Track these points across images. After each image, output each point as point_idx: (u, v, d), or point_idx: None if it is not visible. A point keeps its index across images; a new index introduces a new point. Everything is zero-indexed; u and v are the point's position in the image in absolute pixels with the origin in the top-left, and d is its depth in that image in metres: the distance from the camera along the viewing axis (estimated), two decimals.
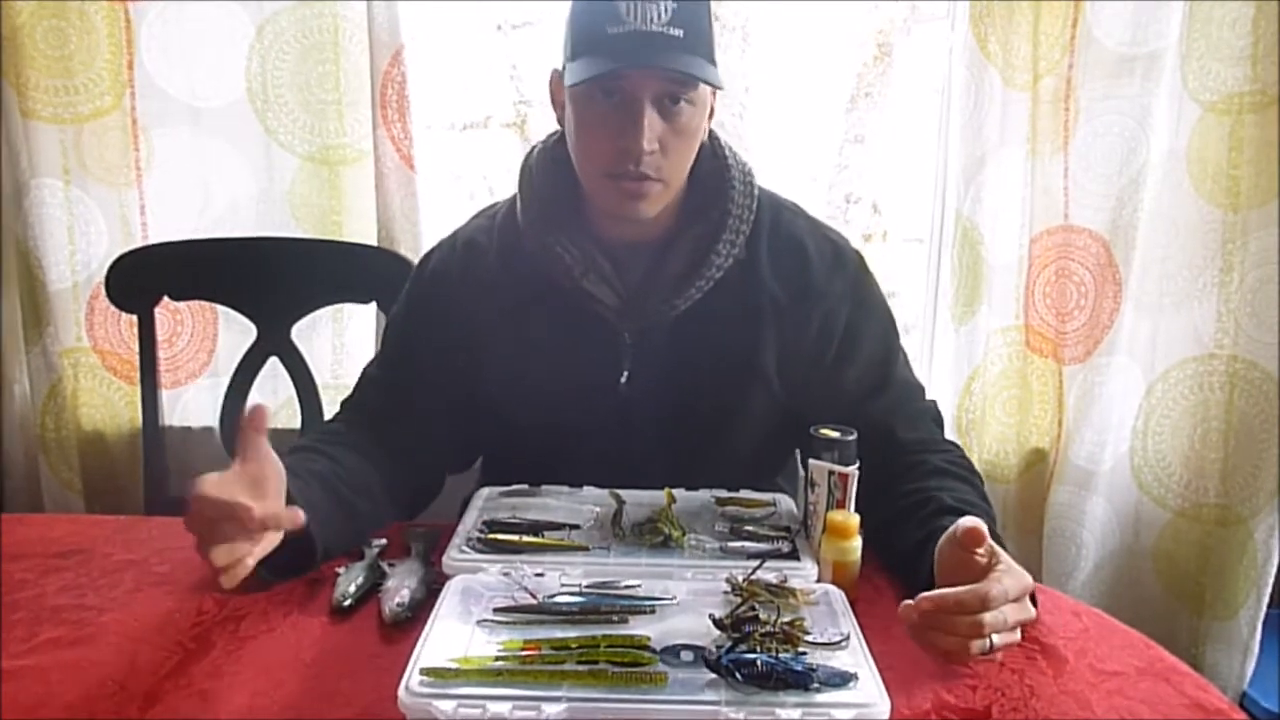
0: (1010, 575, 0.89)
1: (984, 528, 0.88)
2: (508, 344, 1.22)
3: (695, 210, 1.19)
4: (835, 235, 1.27)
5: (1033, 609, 0.92)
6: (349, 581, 1.01)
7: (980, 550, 0.88)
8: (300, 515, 0.91)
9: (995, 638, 0.86)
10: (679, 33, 1.06)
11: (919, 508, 1.07)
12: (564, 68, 1.13)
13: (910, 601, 0.86)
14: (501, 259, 1.23)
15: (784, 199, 1.27)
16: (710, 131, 1.22)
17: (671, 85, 1.08)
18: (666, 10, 1.06)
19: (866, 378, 1.23)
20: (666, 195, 1.15)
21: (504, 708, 0.76)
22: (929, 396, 1.29)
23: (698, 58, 1.08)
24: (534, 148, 1.25)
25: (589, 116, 1.12)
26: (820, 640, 0.87)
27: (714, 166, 1.21)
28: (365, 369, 1.32)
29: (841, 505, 1.03)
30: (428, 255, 1.30)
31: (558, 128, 1.23)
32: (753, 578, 0.95)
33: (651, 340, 1.20)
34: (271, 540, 0.92)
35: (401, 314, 1.31)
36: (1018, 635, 0.90)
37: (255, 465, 0.93)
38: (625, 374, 1.20)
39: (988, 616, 0.85)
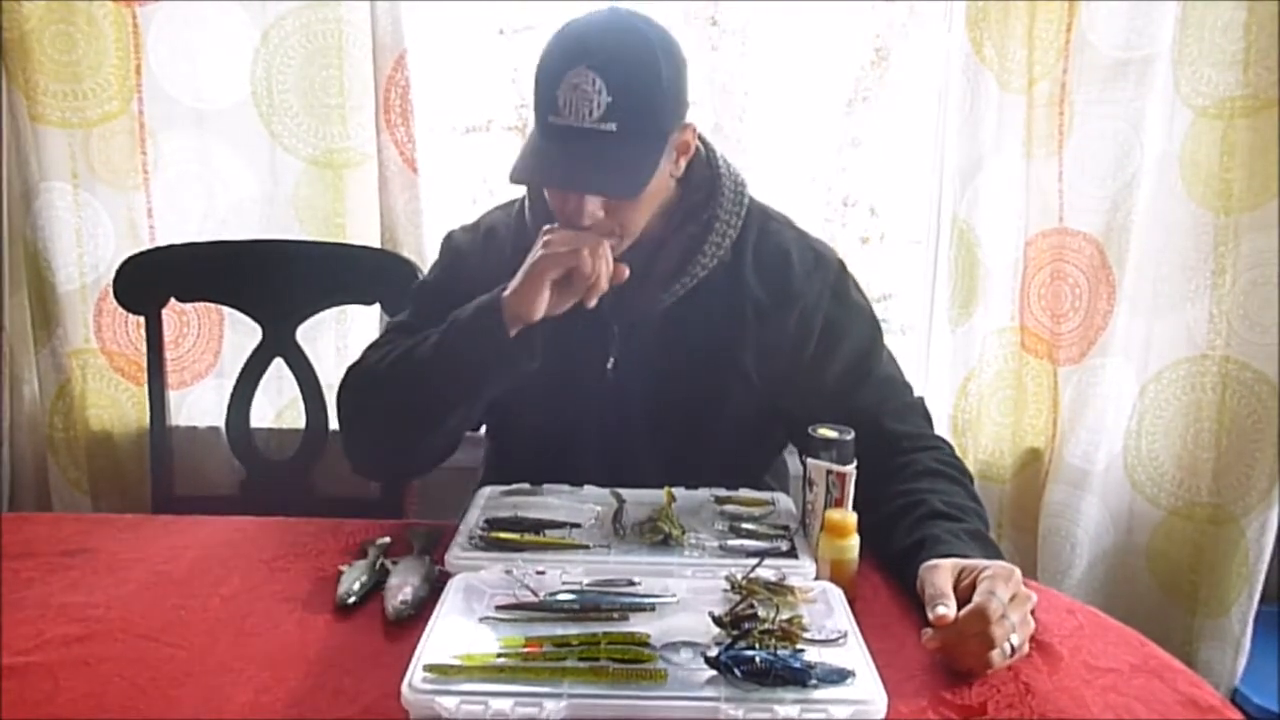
0: (994, 579, 0.91)
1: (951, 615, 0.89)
2: None
3: (686, 214, 1.24)
4: (818, 244, 1.31)
5: (1033, 594, 0.93)
6: (352, 579, 1.02)
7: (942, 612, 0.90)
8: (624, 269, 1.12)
9: (1013, 638, 0.88)
10: (612, 127, 1.07)
11: (909, 510, 1.09)
12: None
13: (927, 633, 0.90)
14: (513, 248, 1.27)
15: (774, 210, 1.32)
16: (704, 140, 1.26)
17: None
18: (600, 105, 1.07)
19: (848, 373, 1.26)
20: (628, 241, 1.19)
21: (506, 704, 0.77)
22: (917, 394, 1.31)
23: (629, 150, 1.09)
24: None
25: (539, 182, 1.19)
26: (818, 637, 0.88)
27: (706, 175, 1.25)
28: (392, 321, 1.37)
29: (839, 504, 1.05)
30: (452, 233, 1.36)
31: None
32: (752, 576, 0.97)
33: (638, 332, 1.24)
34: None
35: (431, 277, 1.37)
36: (1032, 624, 0.92)
37: None
38: (612, 361, 1.25)
39: (994, 629, 0.87)
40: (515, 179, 1.14)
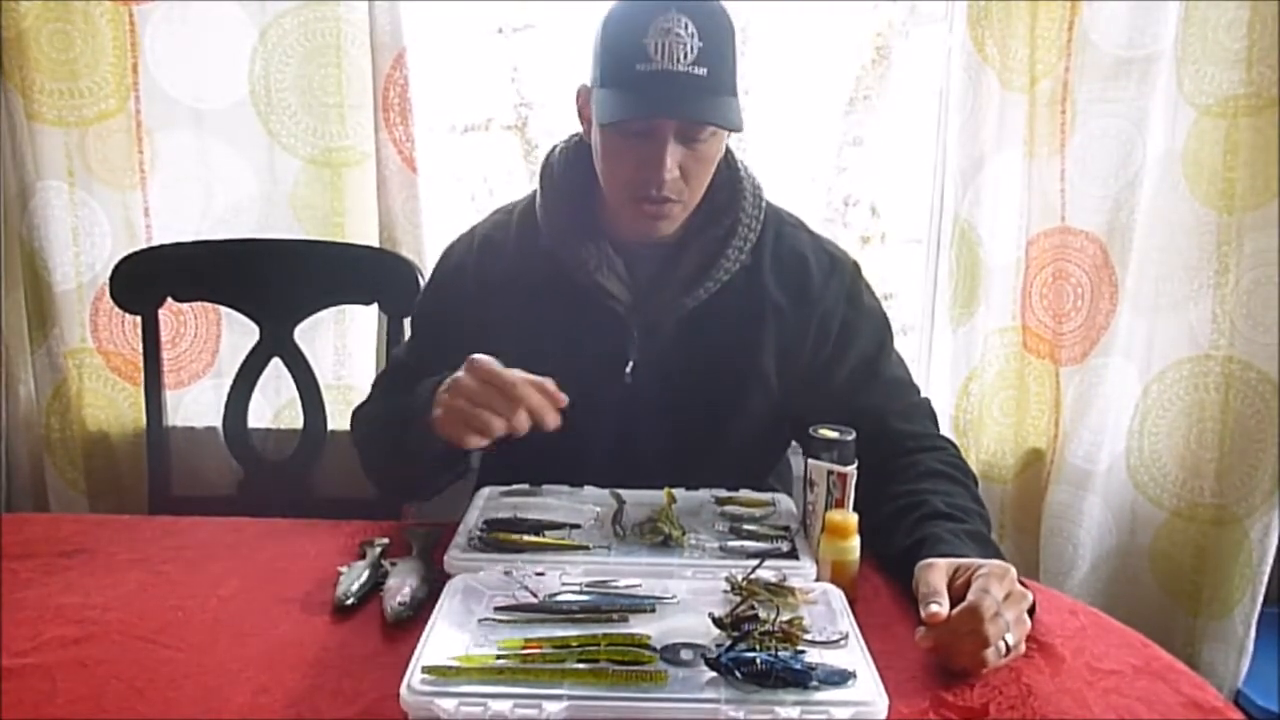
0: (988, 577, 0.91)
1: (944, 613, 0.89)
2: (523, 332, 1.25)
3: (707, 217, 1.23)
4: (833, 247, 1.32)
5: (1029, 593, 0.93)
6: (351, 580, 1.02)
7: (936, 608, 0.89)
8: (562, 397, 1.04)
9: (1008, 637, 0.88)
10: (703, 71, 1.10)
11: (910, 510, 1.09)
12: (591, 88, 1.17)
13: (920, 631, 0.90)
14: (519, 253, 1.28)
15: (787, 213, 1.33)
16: (725, 145, 1.25)
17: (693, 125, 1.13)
18: (693, 49, 1.09)
19: (857, 373, 1.27)
20: (684, 213, 1.20)
21: (505, 706, 0.77)
22: (923, 395, 1.31)
23: (719, 96, 1.12)
24: (555, 148, 1.30)
25: (614, 146, 1.16)
26: (819, 639, 0.87)
27: (728, 177, 1.25)
28: (395, 353, 1.42)
29: (840, 505, 1.04)
30: (449, 249, 1.36)
31: (570, 128, 1.28)
32: (752, 577, 0.96)
33: (658, 335, 1.24)
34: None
35: (425, 304, 1.39)
36: (1028, 623, 0.92)
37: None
38: (631, 365, 1.25)
39: (988, 626, 0.86)
40: (613, 117, 1.12)
